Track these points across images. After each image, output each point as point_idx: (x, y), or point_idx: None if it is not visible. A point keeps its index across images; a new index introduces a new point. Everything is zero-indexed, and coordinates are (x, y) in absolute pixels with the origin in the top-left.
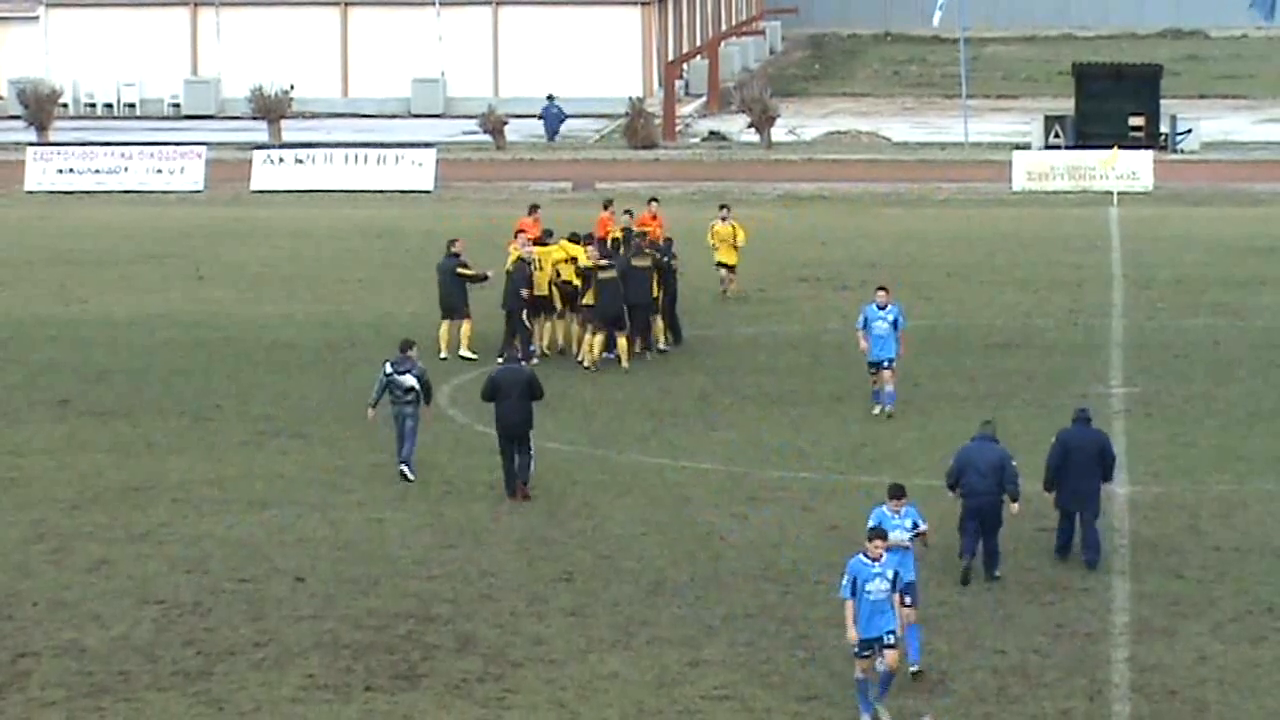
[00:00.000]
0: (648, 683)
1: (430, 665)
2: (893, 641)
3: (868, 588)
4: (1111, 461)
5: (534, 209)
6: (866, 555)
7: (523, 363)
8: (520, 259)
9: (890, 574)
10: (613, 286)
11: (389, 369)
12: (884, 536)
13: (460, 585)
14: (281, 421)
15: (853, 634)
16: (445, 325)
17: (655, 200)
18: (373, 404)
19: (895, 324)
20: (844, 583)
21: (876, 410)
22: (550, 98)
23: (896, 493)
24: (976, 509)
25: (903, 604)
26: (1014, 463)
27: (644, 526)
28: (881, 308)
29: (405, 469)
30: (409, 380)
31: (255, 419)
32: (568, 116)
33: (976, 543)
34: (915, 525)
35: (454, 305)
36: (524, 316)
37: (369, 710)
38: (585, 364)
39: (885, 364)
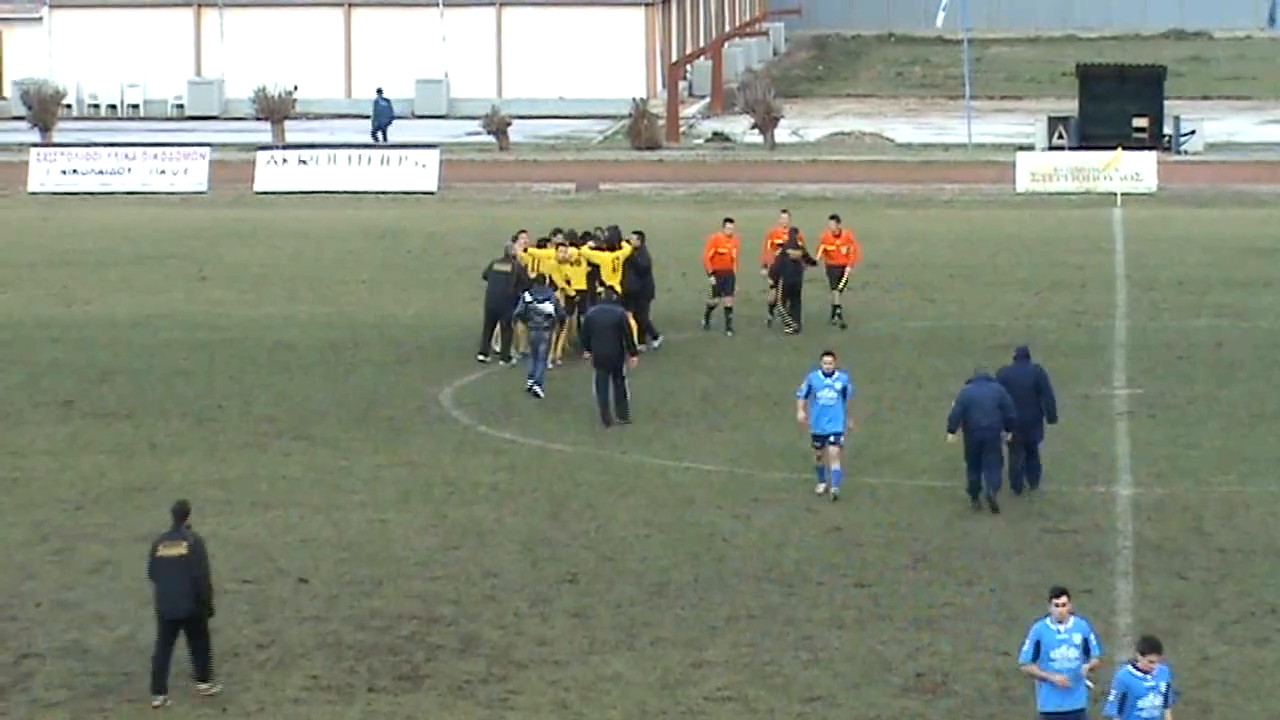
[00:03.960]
0: (651, 684)
1: (433, 666)
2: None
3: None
4: (1051, 398)
5: (728, 221)
6: (1135, 667)
7: (616, 306)
8: (511, 258)
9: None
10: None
11: (528, 297)
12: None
13: (464, 586)
14: (284, 423)
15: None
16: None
17: (786, 212)
18: (516, 320)
19: (844, 393)
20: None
21: (821, 489)
22: (379, 91)
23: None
24: (979, 443)
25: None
26: (1009, 398)
27: (647, 527)
28: (828, 374)
29: (537, 388)
30: (547, 307)
31: (258, 420)
32: (395, 117)
33: (980, 476)
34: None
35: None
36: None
37: (372, 711)
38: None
39: (831, 438)
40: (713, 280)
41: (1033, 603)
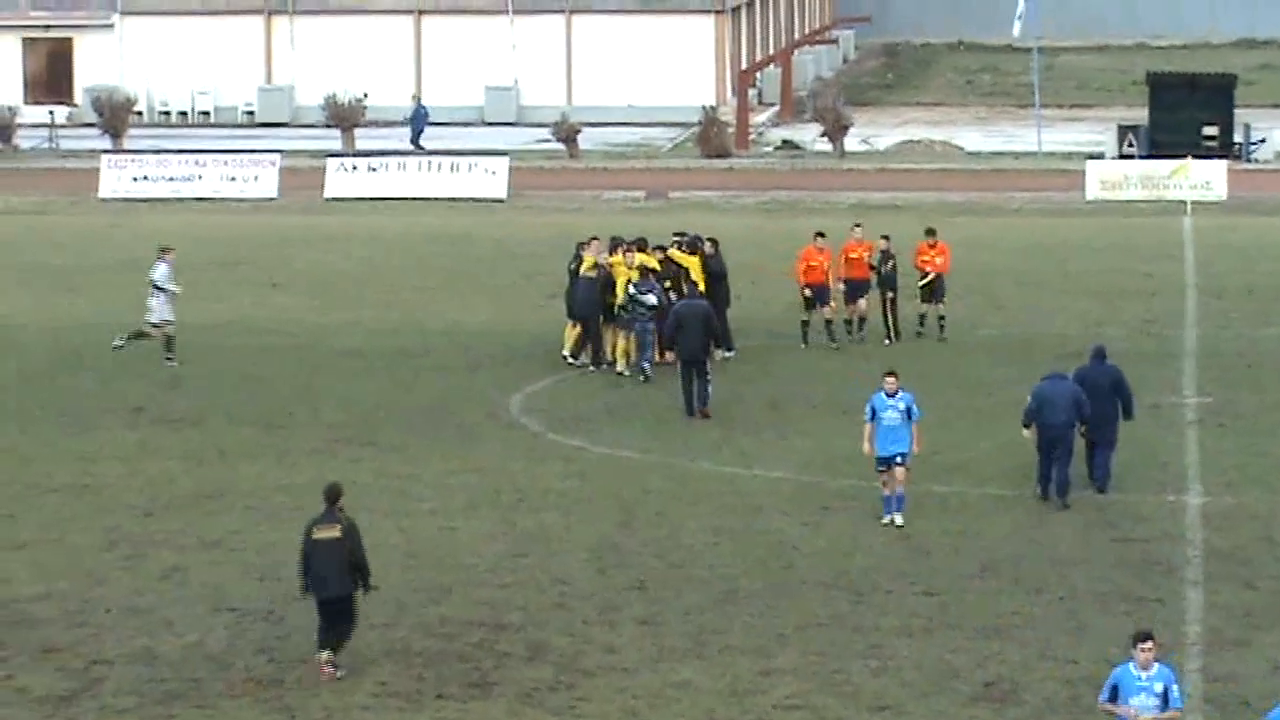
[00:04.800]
0: (719, 691)
1: (501, 674)
2: None
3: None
4: (1128, 395)
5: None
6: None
7: (703, 300)
8: (597, 265)
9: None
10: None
11: (632, 289)
12: None
13: (532, 594)
14: (353, 429)
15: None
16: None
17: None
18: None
19: (908, 414)
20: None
21: (886, 520)
22: (416, 98)
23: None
24: (1054, 440)
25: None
26: (1083, 396)
27: (716, 535)
28: (891, 395)
29: (646, 368)
30: (651, 299)
31: (327, 426)
32: (430, 123)
33: (1051, 469)
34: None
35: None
36: (599, 323)
37: (440, 718)
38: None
39: (897, 459)
40: (807, 294)
41: (1101, 611)
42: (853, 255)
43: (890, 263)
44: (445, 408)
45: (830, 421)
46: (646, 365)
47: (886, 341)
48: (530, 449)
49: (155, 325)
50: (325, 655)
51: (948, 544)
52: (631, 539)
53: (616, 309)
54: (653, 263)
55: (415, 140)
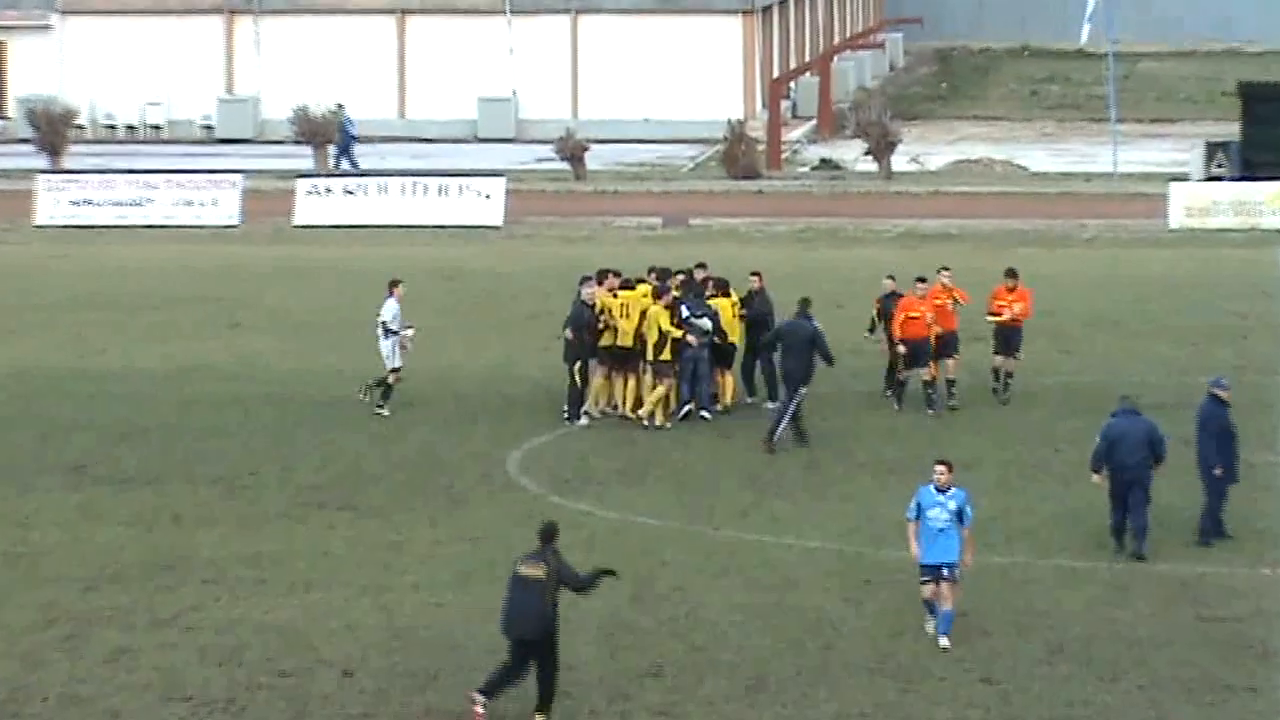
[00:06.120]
0: None
1: None
2: None
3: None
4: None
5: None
6: None
7: (809, 320)
8: (582, 303)
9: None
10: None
11: (684, 312)
12: None
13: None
14: (328, 491)
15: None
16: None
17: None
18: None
19: (960, 515)
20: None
21: (930, 628)
22: (339, 107)
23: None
24: (1129, 483)
25: None
26: (1161, 432)
27: (743, 613)
28: (941, 490)
29: (704, 413)
30: (705, 323)
31: (299, 488)
32: (354, 138)
33: (1125, 518)
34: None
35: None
36: (578, 368)
37: None
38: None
39: (945, 571)
40: (902, 350)
41: (1186, 701)
42: (936, 303)
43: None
44: (433, 466)
45: (874, 484)
46: (704, 410)
47: (930, 411)
48: (530, 514)
49: (396, 369)
50: (480, 699)
51: (1009, 623)
52: (647, 617)
53: (653, 350)
54: (614, 303)
55: (340, 159)
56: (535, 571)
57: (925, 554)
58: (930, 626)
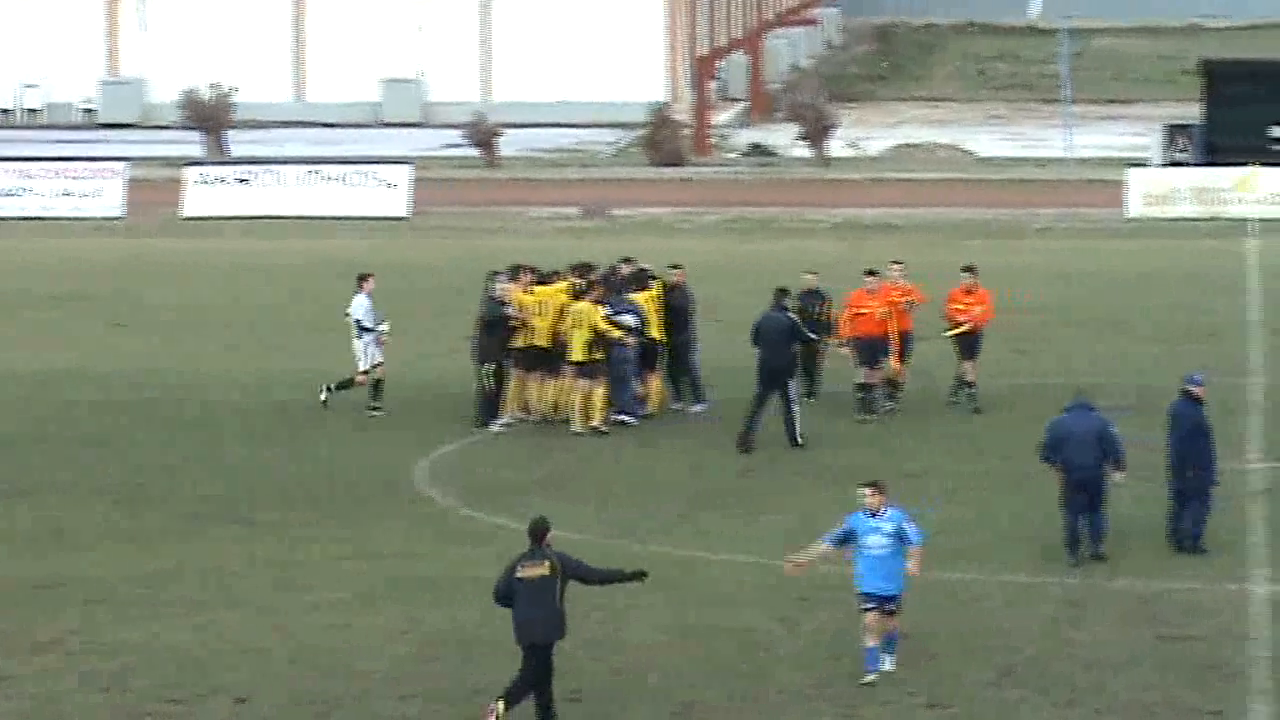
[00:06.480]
0: None
1: None
2: None
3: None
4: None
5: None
6: None
7: (785, 312)
8: (494, 300)
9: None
10: None
11: (607, 310)
12: None
13: (442, 707)
14: (222, 504)
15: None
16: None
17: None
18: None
19: (900, 536)
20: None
21: (870, 677)
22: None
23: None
24: (1080, 483)
25: None
26: (1114, 429)
27: (669, 634)
28: (874, 514)
29: (627, 417)
30: (629, 319)
31: (190, 501)
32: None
33: (1080, 520)
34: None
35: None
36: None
37: None
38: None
39: (886, 602)
40: (845, 351)
41: None
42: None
43: (821, 306)
44: (334, 478)
45: (811, 494)
46: (627, 414)
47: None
48: (440, 528)
49: (365, 371)
50: (500, 707)
51: (957, 644)
52: (567, 639)
53: (583, 350)
54: (529, 300)
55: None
56: (540, 570)
57: (865, 581)
58: (870, 677)
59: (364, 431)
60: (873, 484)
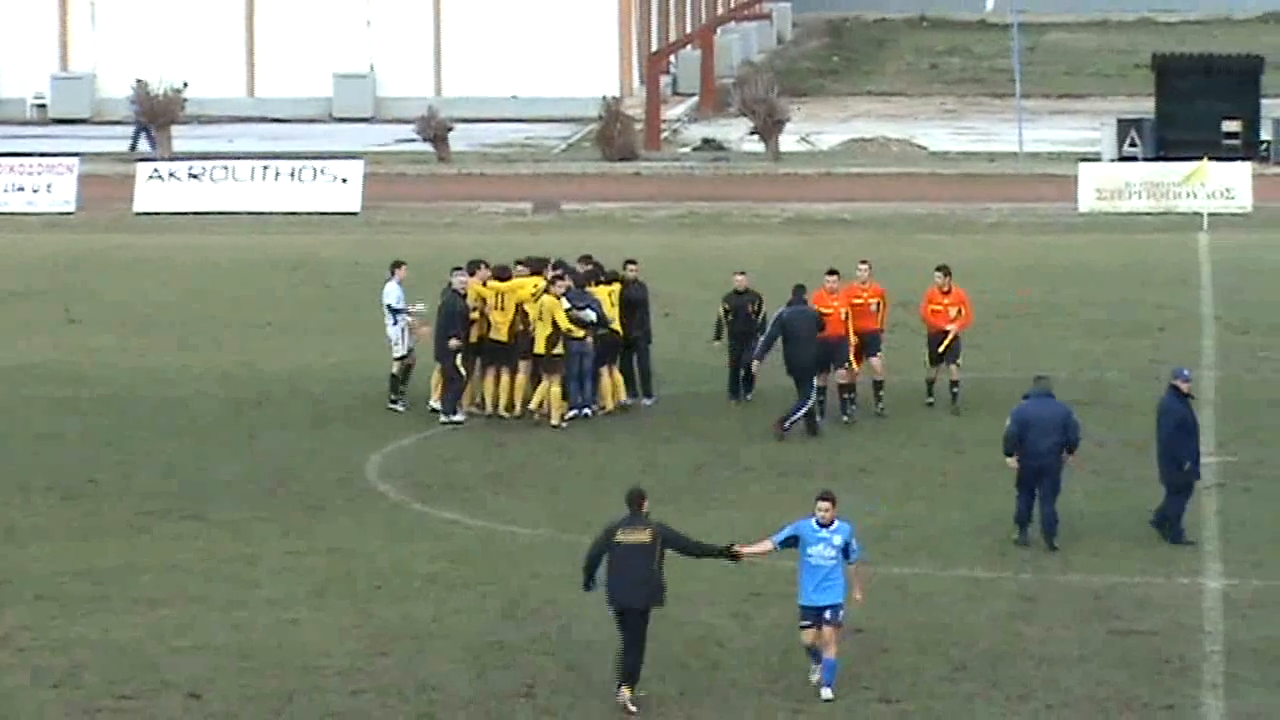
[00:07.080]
0: None
1: None
2: None
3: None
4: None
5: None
6: None
7: (810, 306)
8: (453, 291)
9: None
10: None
11: (566, 304)
12: None
13: (395, 702)
14: (172, 499)
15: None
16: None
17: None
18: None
19: (845, 551)
20: None
21: (815, 677)
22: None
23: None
24: (1039, 470)
25: None
26: (1075, 416)
27: None
28: (824, 524)
29: (588, 410)
30: (589, 314)
31: (141, 496)
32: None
33: (1032, 506)
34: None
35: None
36: (456, 363)
37: None
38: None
39: (828, 614)
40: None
41: None
42: (856, 301)
43: (753, 306)
44: (287, 472)
45: (764, 489)
46: (586, 408)
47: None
48: (392, 523)
49: (402, 356)
50: (627, 694)
51: (909, 639)
52: (517, 634)
53: (544, 344)
54: (487, 293)
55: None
56: (641, 536)
57: (806, 594)
58: (815, 676)
59: (317, 427)
60: (829, 497)
